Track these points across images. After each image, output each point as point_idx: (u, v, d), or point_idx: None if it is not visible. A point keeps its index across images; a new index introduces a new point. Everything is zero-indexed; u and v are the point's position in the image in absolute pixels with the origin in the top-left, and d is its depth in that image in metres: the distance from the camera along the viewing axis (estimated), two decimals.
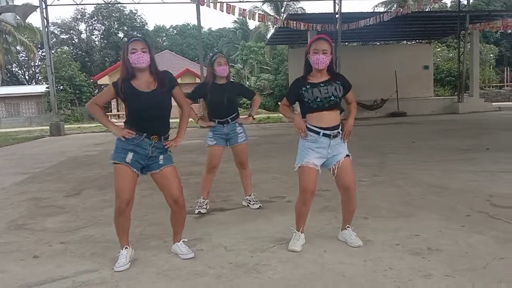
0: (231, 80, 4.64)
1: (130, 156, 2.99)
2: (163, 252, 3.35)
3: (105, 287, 2.77)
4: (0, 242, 3.82)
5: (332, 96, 3.16)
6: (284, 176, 6.16)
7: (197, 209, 4.50)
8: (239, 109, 4.65)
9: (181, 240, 3.31)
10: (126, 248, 3.17)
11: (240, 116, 4.52)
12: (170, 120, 3.19)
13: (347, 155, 3.27)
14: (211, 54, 4.99)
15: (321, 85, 3.17)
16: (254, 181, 5.95)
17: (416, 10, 18.13)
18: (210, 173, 4.52)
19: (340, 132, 3.23)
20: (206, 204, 4.56)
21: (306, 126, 3.22)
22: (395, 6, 33.37)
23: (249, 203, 4.64)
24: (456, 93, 23.60)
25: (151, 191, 5.11)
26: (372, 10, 34.50)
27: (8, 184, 6.87)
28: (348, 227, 3.40)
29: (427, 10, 21.42)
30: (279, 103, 3.40)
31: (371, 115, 19.77)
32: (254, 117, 4.60)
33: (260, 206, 4.60)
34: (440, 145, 9.19)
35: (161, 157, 3.09)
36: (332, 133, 3.17)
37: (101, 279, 2.89)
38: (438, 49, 33.60)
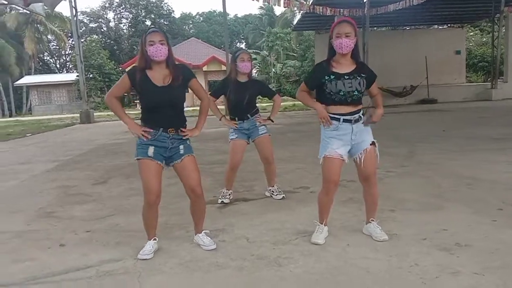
0: (254, 78, 4.55)
1: (151, 150, 2.99)
2: (186, 242, 3.36)
3: (128, 277, 2.80)
4: (29, 230, 3.93)
5: (356, 91, 3.05)
6: (309, 166, 6.08)
7: (220, 198, 4.51)
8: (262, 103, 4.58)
9: (203, 232, 3.31)
10: (155, 239, 3.22)
11: (260, 117, 4.43)
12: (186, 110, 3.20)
13: (373, 142, 3.16)
14: (235, 49, 4.88)
15: (346, 77, 3.05)
16: (278, 170, 5.91)
17: None
18: (233, 170, 4.47)
19: (362, 116, 3.13)
20: (229, 195, 4.55)
21: (329, 114, 3.11)
22: None
23: (272, 193, 4.61)
24: (489, 79, 22.78)
25: (176, 179, 5.11)
26: None
27: (39, 172, 7.06)
28: (372, 220, 3.31)
29: None
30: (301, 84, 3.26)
31: (400, 102, 19.34)
32: (273, 120, 4.52)
33: (283, 196, 4.56)
34: (472, 133, 8.89)
35: (181, 146, 3.10)
36: (353, 117, 3.07)
37: (124, 269, 2.92)
38: (471, 34, 32.45)
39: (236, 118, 4.38)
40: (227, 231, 3.59)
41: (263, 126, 4.44)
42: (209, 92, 4.36)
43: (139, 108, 3.17)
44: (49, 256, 3.24)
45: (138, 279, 2.76)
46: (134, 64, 3.14)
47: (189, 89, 3.14)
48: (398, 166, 5.91)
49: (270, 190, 4.65)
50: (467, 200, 4.16)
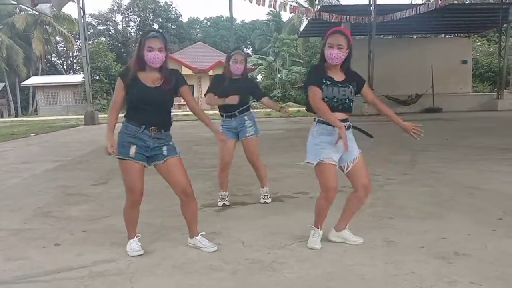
0: (247, 76, 4.51)
1: (133, 150, 2.98)
2: (181, 245, 3.33)
3: (120, 278, 2.77)
4: (26, 229, 3.91)
5: (347, 100, 3.04)
6: (309, 171, 5.98)
7: (220, 201, 4.48)
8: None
9: (200, 234, 3.28)
10: (138, 236, 3.22)
11: (251, 114, 4.39)
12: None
13: (360, 152, 3.15)
14: (234, 48, 4.83)
15: (340, 85, 3.03)
16: (277, 175, 5.92)
17: (455, 2, 17.44)
18: (223, 171, 4.43)
19: (351, 124, 3.12)
20: (227, 196, 4.52)
21: (317, 119, 3.08)
22: None
23: (261, 196, 4.59)
24: (495, 89, 22.66)
25: None
26: (409, 2, 33.50)
27: (40, 171, 7.07)
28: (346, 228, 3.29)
29: (467, 2, 20.59)
30: (309, 87, 3.04)
31: (405, 111, 19.23)
32: (283, 106, 4.49)
33: (266, 202, 4.53)
34: (476, 143, 8.81)
35: (164, 148, 3.07)
36: (345, 124, 3.04)
37: (117, 270, 2.89)
38: (478, 43, 32.32)
39: (224, 115, 4.34)
40: (223, 235, 3.55)
41: (252, 127, 4.36)
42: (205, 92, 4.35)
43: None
44: (43, 255, 3.22)
45: (130, 280, 2.73)
46: (126, 66, 3.13)
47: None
48: (400, 174, 5.86)
49: (260, 192, 4.61)
50: (468, 209, 4.11)
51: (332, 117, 2.94)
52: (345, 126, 3.02)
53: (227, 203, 4.47)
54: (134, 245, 3.16)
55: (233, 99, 4.17)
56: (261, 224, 3.82)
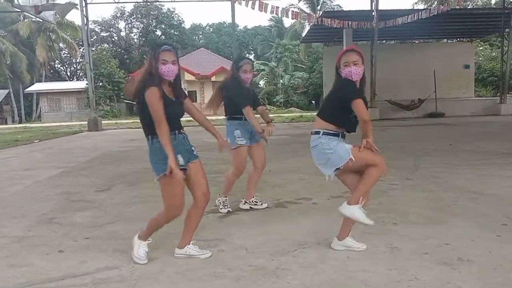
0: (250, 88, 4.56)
1: (181, 159, 2.92)
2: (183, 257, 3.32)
3: (123, 285, 2.77)
4: (29, 235, 3.92)
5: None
6: (312, 177, 6.03)
7: (224, 208, 4.48)
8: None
9: (191, 242, 3.26)
10: (149, 240, 3.22)
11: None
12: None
13: None
14: (238, 57, 4.84)
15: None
16: (280, 181, 5.93)
17: (457, 7, 17.47)
18: (238, 177, 4.47)
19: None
20: (228, 202, 4.54)
21: (323, 132, 3.11)
22: (435, 3, 32.31)
23: (256, 204, 4.60)
24: (498, 94, 22.62)
25: None
26: (411, 7, 33.57)
27: (43, 178, 7.09)
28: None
29: (469, 7, 20.62)
30: (354, 101, 2.97)
31: (408, 115, 19.27)
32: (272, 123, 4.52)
33: (251, 207, 4.56)
34: (478, 148, 8.80)
35: (193, 147, 3.17)
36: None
37: (120, 277, 2.90)
38: (481, 48, 32.35)
39: (243, 118, 4.33)
40: (226, 241, 3.56)
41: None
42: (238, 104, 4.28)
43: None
44: (46, 262, 3.23)
45: (134, 287, 2.73)
46: (143, 78, 3.02)
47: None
48: (403, 179, 5.85)
49: (251, 201, 4.61)
50: (471, 214, 4.10)
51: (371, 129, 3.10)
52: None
53: (230, 209, 4.48)
54: (141, 252, 3.14)
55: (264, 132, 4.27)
56: (264, 230, 3.82)
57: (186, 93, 3.26)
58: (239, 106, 4.22)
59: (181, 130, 3.11)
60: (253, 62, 4.47)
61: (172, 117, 2.96)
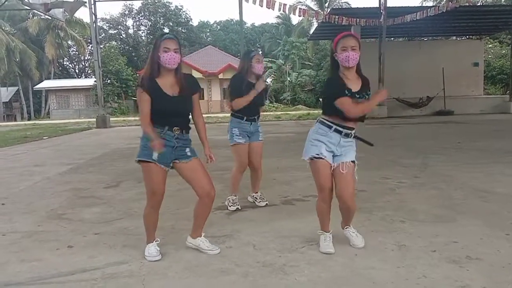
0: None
1: (156, 153, 2.94)
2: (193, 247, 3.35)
3: (132, 280, 2.80)
4: (39, 231, 3.97)
5: None
6: None
7: (233, 206, 4.48)
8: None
9: (203, 235, 3.30)
10: (157, 241, 3.23)
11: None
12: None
13: (353, 161, 3.12)
14: (249, 50, 4.85)
15: (357, 95, 3.01)
16: (288, 178, 5.93)
17: (467, 4, 17.30)
18: (241, 174, 4.49)
19: (353, 134, 3.11)
20: (237, 200, 4.55)
21: (320, 119, 3.13)
22: (444, 0, 32.03)
23: (255, 200, 4.62)
24: (507, 91, 22.41)
25: (186, 185, 5.14)
26: (420, 4, 33.32)
27: (53, 174, 7.15)
28: (347, 227, 3.31)
29: (478, 4, 20.41)
30: (336, 101, 2.94)
31: (416, 113, 19.15)
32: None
33: (266, 203, 4.57)
34: (487, 146, 8.73)
35: (187, 149, 3.12)
36: (345, 131, 3.06)
37: (129, 272, 2.92)
38: (490, 45, 31.97)
39: (245, 118, 4.34)
40: (234, 237, 3.57)
41: (262, 132, 4.49)
42: (227, 97, 4.35)
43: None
44: (56, 257, 3.27)
45: (143, 283, 2.76)
46: (140, 75, 3.15)
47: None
48: (411, 177, 5.83)
49: (253, 196, 4.65)
50: (480, 213, 4.07)
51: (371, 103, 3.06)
52: (346, 132, 3.05)
53: (239, 207, 4.50)
54: (152, 250, 3.16)
55: (260, 84, 4.20)
56: (271, 227, 3.83)
57: (194, 82, 3.21)
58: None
59: (175, 128, 3.02)
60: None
61: (160, 111, 2.98)
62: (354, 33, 3.10)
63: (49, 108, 40.38)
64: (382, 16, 18.06)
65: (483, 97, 22.62)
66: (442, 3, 25.62)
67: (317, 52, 40.15)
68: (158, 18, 48.79)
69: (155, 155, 2.97)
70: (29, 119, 38.16)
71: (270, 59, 42.39)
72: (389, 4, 18.36)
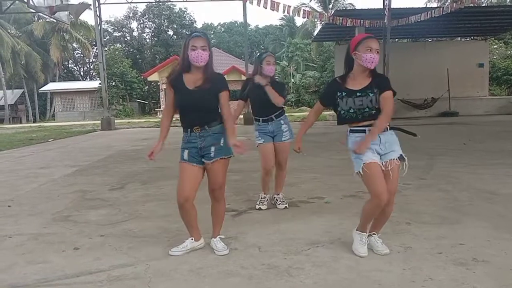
0: (276, 79, 4.51)
1: (186, 153, 3.16)
2: (199, 249, 3.35)
3: (138, 282, 2.80)
4: (45, 233, 3.98)
5: (367, 108, 2.99)
6: (325, 176, 6.04)
7: (258, 204, 4.54)
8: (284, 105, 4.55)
9: (218, 237, 3.33)
10: (192, 239, 3.32)
11: (286, 121, 4.48)
12: None
13: (399, 157, 3.05)
14: (261, 52, 4.96)
15: (357, 94, 2.99)
16: (293, 180, 5.91)
17: (471, 5, 17.22)
18: (267, 175, 4.51)
19: (388, 127, 3.05)
20: (266, 200, 4.57)
21: (348, 130, 3.10)
22: (448, 1, 31.92)
23: (276, 201, 4.60)
24: None
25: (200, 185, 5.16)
26: (424, 5, 33.25)
27: (58, 176, 7.18)
28: (374, 233, 3.22)
29: (483, 4, 20.32)
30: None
31: (421, 115, 19.11)
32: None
33: (286, 207, 4.54)
34: (493, 147, 8.69)
35: (212, 149, 3.14)
36: (367, 128, 3.04)
37: (135, 274, 2.93)
38: (495, 46, 31.83)
39: (260, 119, 4.41)
40: (239, 239, 3.57)
41: (288, 132, 4.46)
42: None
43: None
44: (62, 259, 3.28)
45: (148, 285, 2.76)
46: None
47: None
48: (416, 179, 5.80)
49: (274, 198, 4.62)
50: (486, 214, 4.05)
51: (300, 132, 3.46)
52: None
53: (263, 207, 4.51)
54: (181, 244, 3.30)
55: (260, 80, 4.25)
56: (276, 229, 3.83)
57: (221, 80, 3.21)
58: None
59: (195, 128, 3.11)
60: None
61: (181, 107, 3.12)
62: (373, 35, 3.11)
63: (54, 110, 40.57)
64: (386, 17, 18.00)
65: (488, 98, 22.51)
66: (447, 4, 25.54)
67: (321, 54, 40.12)
68: (162, 21, 48.88)
69: (185, 156, 3.18)
70: (35, 121, 38.34)
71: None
72: (393, 5, 18.32)
